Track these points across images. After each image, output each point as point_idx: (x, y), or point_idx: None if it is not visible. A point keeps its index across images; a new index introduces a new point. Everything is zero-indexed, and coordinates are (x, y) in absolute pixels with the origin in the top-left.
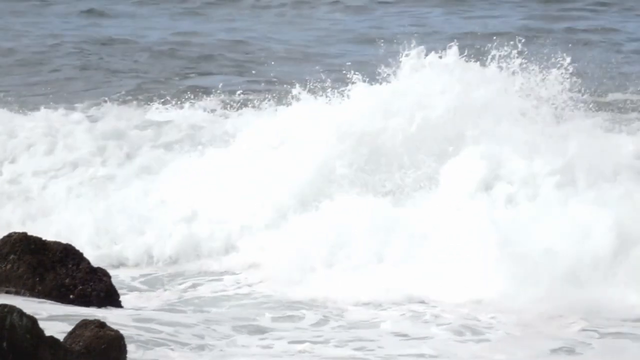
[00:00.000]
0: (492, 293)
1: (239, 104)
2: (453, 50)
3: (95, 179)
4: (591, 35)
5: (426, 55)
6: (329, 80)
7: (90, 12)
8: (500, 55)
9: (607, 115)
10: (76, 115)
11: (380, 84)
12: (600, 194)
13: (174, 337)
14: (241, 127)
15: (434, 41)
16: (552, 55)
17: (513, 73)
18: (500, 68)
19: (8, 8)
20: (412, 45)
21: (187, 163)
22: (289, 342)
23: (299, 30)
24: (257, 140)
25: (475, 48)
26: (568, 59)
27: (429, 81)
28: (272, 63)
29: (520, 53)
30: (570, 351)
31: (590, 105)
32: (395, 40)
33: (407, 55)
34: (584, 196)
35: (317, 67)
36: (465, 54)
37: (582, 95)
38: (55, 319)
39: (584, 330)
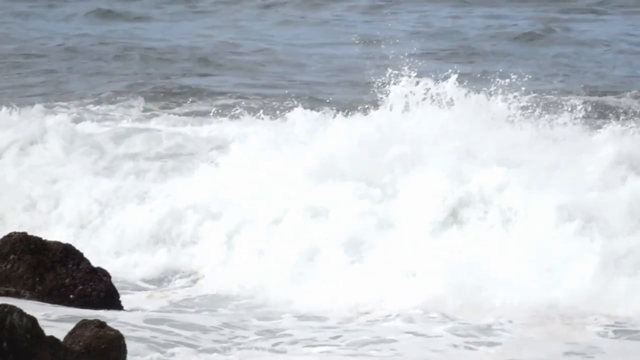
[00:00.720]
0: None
1: (224, 111)
2: (451, 79)
3: (57, 187)
4: (590, 36)
5: (418, 82)
6: (300, 105)
7: (94, 13)
8: (503, 89)
9: (605, 119)
10: (52, 119)
11: (368, 113)
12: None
13: (189, 339)
14: (214, 146)
15: (436, 42)
16: (564, 102)
17: (515, 121)
18: (505, 100)
19: (10, 9)
20: (403, 70)
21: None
22: (304, 346)
23: (302, 30)
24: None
25: (472, 48)
26: (580, 103)
27: (421, 121)
28: (271, 65)
29: (525, 93)
30: (583, 354)
31: (589, 108)
32: (397, 41)
33: (396, 84)
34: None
35: (314, 69)
36: (465, 84)
37: (579, 96)
38: (55, 319)
39: (597, 332)
